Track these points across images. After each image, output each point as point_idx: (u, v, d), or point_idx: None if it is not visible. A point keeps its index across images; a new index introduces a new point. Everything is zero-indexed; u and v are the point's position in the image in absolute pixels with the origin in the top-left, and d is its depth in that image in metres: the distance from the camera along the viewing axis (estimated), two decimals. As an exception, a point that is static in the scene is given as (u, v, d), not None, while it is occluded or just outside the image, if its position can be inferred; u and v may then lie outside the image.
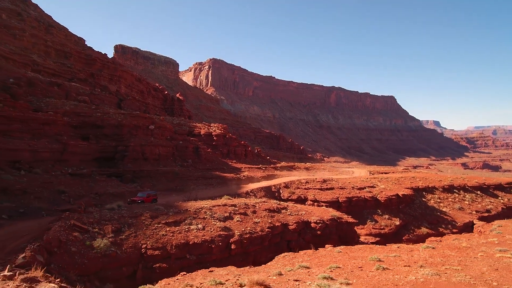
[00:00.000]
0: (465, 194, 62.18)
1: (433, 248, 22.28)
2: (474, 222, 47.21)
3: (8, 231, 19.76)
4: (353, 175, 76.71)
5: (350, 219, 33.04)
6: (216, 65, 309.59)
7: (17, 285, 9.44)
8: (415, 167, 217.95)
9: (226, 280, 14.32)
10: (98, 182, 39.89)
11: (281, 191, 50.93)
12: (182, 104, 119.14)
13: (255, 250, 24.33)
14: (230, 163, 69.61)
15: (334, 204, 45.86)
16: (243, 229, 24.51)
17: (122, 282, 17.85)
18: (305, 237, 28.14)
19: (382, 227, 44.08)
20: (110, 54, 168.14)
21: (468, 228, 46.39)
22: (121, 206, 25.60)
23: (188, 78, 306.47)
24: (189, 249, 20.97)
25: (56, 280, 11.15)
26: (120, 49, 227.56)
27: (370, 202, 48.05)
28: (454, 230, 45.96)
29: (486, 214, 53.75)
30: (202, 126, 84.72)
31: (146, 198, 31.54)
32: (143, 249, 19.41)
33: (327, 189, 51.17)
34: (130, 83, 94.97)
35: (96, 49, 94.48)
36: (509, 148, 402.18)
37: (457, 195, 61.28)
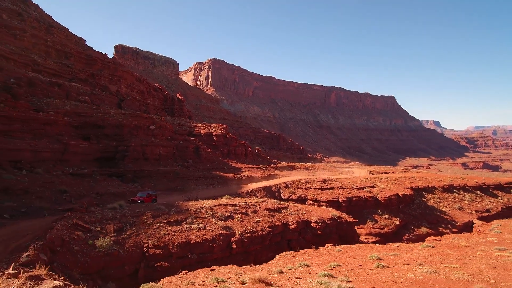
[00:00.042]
0: (465, 194, 62.33)
1: (432, 247, 22.43)
2: (474, 222, 47.33)
3: (10, 230, 19.96)
4: (353, 175, 76.83)
5: (350, 219, 33.13)
6: (216, 65, 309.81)
7: (22, 283, 9.56)
8: (415, 167, 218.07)
9: (228, 278, 14.47)
10: (99, 182, 40.08)
11: (281, 191, 51.07)
12: (182, 104, 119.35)
13: (256, 249, 24.45)
14: (230, 163, 69.79)
15: (334, 203, 45.98)
16: (244, 229, 24.63)
17: (124, 281, 17.98)
18: (305, 237, 28.27)
19: (382, 227, 44.23)
20: (110, 54, 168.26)
21: (467, 227, 46.52)
22: (122, 205, 25.72)
23: (188, 78, 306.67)
24: (191, 248, 21.10)
25: (60, 278, 11.28)
26: (120, 49, 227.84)
27: (370, 202, 48.21)
28: (454, 230, 46.15)
29: (485, 214, 53.90)
30: (202, 126, 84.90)
31: (146, 198, 31.67)
32: (145, 248, 19.55)
33: (327, 189, 51.31)
34: (130, 83, 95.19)
35: (96, 49, 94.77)
36: (509, 148, 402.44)
37: (456, 195, 61.43)
